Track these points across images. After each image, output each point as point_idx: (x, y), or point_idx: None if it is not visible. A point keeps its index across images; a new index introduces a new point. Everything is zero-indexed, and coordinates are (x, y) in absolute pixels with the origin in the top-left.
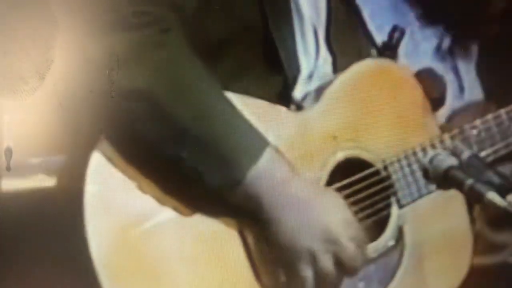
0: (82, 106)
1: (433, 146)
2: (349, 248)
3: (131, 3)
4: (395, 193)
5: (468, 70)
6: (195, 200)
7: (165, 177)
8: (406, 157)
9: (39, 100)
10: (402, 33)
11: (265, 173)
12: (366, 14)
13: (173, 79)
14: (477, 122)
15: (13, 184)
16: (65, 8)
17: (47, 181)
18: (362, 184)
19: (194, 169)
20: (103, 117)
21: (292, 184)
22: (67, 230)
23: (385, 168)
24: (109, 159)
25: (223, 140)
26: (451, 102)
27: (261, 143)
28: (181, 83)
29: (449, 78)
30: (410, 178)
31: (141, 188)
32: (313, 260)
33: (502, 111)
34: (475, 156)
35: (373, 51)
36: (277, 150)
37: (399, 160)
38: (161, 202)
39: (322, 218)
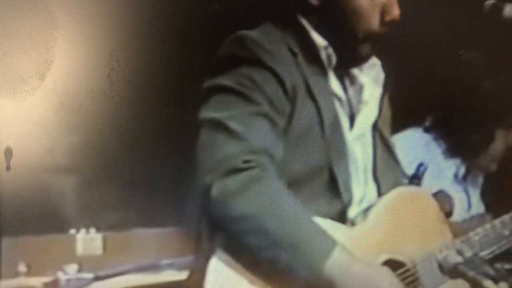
0: (82, 106)
1: (447, 248)
2: None
3: (241, 154)
4: (421, 284)
5: (475, 192)
6: (289, 287)
7: (268, 272)
8: (429, 257)
9: (39, 100)
10: (426, 168)
11: (337, 263)
12: (401, 154)
13: (270, 205)
14: (479, 229)
15: (147, 279)
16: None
17: (177, 276)
18: (399, 278)
19: (288, 266)
20: (220, 238)
21: (357, 267)
22: None
23: (414, 266)
24: (224, 262)
25: (308, 244)
26: (460, 214)
27: (333, 243)
28: (275, 206)
29: (461, 197)
30: (432, 273)
31: (251, 282)
32: None
33: (497, 221)
34: (475, 254)
35: (405, 180)
36: (342, 246)
37: (423, 261)
38: None
39: (380, 285)
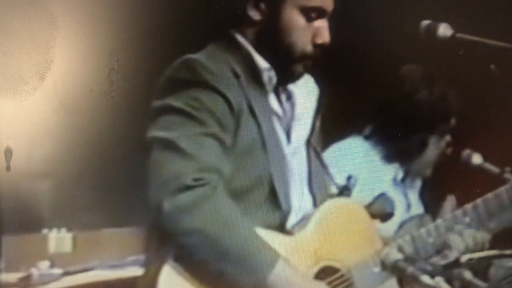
0: (82, 106)
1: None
2: None
3: (192, 173)
4: (355, 286)
5: (413, 195)
6: None
7: (216, 283)
8: (362, 263)
9: (39, 100)
10: (356, 180)
11: (279, 275)
12: (341, 162)
13: (219, 221)
14: (407, 237)
15: (113, 275)
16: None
17: (141, 272)
18: (335, 283)
19: (234, 278)
20: (172, 249)
21: (298, 280)
22: None
23: (349, 272)
24: (176, 271)
25: (253, 257)
26: (400, 215)
27: (276, 256)
28: (223, 222)
29: (400, 199)
30: (365, 277)
31: None
32: None
33: (423, 230)
34: (414, 252)
35: (336, 192)
36: (285, 259)
37: (357, 266)
38: None
39: None
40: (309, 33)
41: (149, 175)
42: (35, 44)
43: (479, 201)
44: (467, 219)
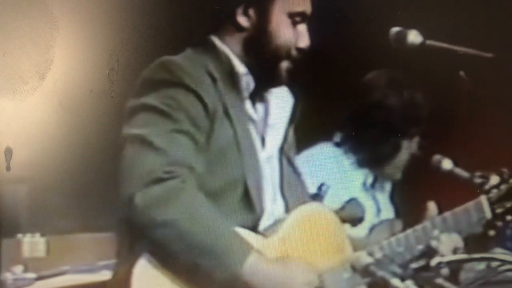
0: (82, 106)
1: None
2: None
3: (162, 166)
4: None
5: (383, 199)
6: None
7: (190, 275)
8: (334, 267)
9: (39, 100)
10: (328, 188)
11: (253, 266)
12: (311, 168)
13: (190, 212)
14: (376, 247)
15: (86, 279)
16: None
17: (108, 276)
18: None
19: (208, 270)
20: (145, 243)
21: (273, 267)
22: None
23: (320, 276)
24: (151, 264)
25: (226, 249)
26: (370, 220)
27: (248, 248)
28: (195, 214)
29: (370, 204)
30: (336, 283)
31: (174, 282)
32: None
33: (393, 239)
34: (384, 256)
35: (308, 198)
36: (257, 250)
37: (328, 272)
38: None
39: (294, 279)
40: (293, 37)
41: (121, 171)
42: (35, 44)
43: (447, 214)
44: (436, 232)
